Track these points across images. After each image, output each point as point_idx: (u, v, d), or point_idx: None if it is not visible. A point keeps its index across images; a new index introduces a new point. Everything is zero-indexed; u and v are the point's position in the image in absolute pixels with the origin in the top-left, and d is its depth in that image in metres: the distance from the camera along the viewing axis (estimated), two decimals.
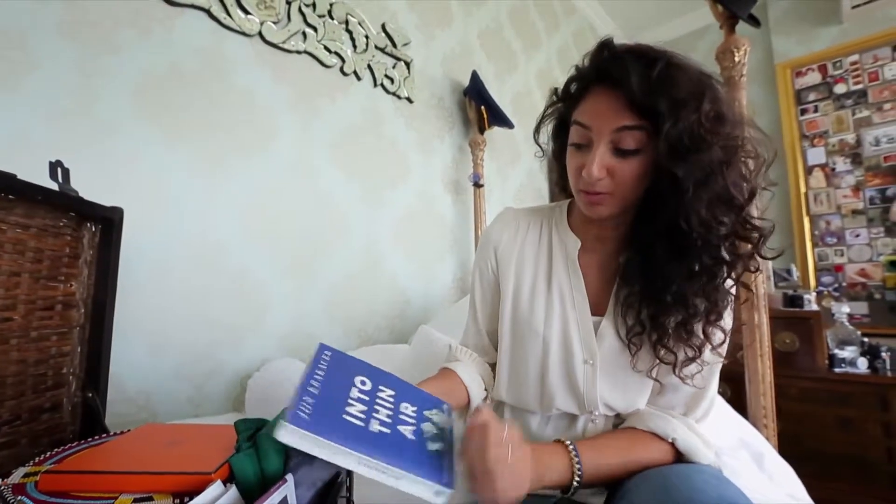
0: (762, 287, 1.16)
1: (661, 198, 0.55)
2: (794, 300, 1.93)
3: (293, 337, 1.28)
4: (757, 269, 0.59)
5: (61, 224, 0.68)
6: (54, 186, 0.67)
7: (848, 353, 1.81)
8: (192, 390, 1.06)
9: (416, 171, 1.75)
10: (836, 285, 2.64)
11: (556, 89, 0.67)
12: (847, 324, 1.94)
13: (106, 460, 0.52)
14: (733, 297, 0.61)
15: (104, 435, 0.64)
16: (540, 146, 0.72)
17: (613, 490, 0.59)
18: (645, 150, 0.55)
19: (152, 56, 1.04)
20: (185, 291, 1.06)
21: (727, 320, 0.61)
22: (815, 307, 1.93)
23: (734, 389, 1.66)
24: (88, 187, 0.75)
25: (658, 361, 0.61)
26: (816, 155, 2.78)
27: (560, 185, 0.74)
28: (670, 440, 0.60)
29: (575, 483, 0.55)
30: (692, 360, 0.59)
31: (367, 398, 0.48)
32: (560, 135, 0.68)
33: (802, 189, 2.78)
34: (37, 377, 0.65)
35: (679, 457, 0.61)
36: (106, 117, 0.96)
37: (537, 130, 0.71)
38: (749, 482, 0.84)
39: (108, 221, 0.73)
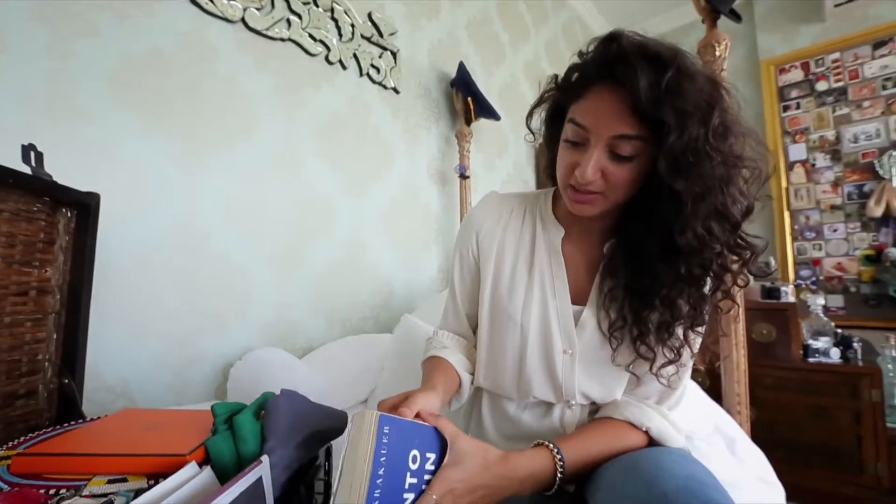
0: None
1: (655, 203, 0.55)
2: (771, 292, 1.98)
3: (277, 326, 1.27)
4: (746, 284, 0.59)
5: (35, 209, 0.68)
6: (27, 170, 0.66)
7: (821, 343, 1.86)
8: (173, 378, 1.05)
9: (402, 162, 1.74)
10: (814, 279, 2.71)
11: (556, 76, 0.65)
12: (822, 315, 1.99)
13: (80, 443, 0.52)
14: (714, 307, 0.61)
15: (80, 420, 0.64)
16: (531, 131, 0.70)
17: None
18: (641, 156, 0.54)
19: (131, 41, 1.02)
20: (166, 279, 1.05)
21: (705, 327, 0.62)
22: (791, 299, 1.98)
23: (712, 379, 1.70)
24: (64, 173, 0.73)
25: (637, 357, 0.61)
26: (798, 151, 2.83)
27: (548, 173, 0.73)
28: (644, 429, 0.61)
29: (558, 480, 0.55)
30: (671, 362, 0.60)
31: (416, 480, 0.49)
32: (554, 123, 0.66)
33: (784, 184, 2.84)
34: (11, 363, 0.64)
35: (652, 442, 0.62)
36: (82, 102, 0.94)
37: (530, 115, 0.69)
38: (721, 465, 0.87)
39: (84, 207, 0.72)
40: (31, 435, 0.57)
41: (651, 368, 0.61)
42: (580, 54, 0.59)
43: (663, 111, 0.49)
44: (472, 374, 0.74)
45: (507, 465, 0.53)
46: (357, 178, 1.55)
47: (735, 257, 0.56)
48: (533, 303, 0.67)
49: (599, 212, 0.60)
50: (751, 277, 0.59)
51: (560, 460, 0.56)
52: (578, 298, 0.67)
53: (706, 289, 0.58)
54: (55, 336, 0.70)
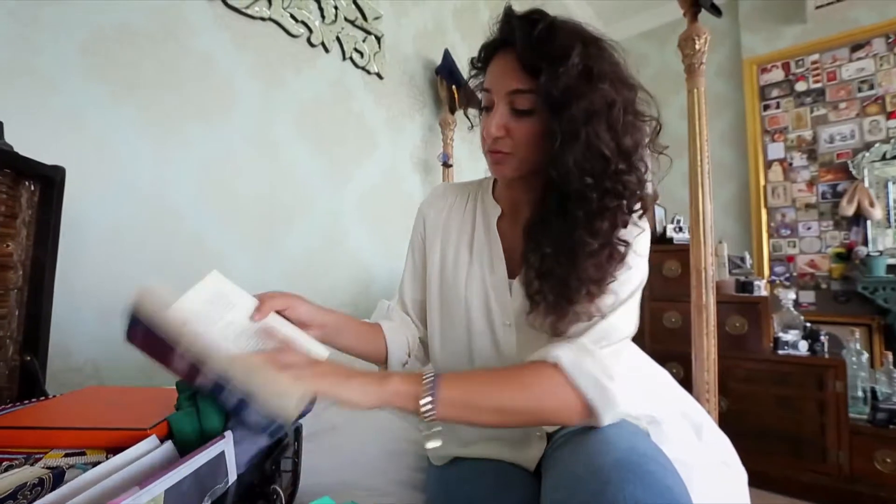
0: (710, 270, 1.22)
1: (549, 157, 0.58)
2: (745, 286, 2.03)
3: None
4: (625, 225, 0.58)
5: None
6: None
7: (791, 336, 1.92)
8: (145, 361, 1.03)
9: (385, 149, 1.73)
10: (788, 275, 2.79)
11: (473, 59, 0.69)
12: (792, 309, 2.05)
13: (39, 417, 0.51)
14: (626, 246, 0.59)
15: (43, 398, 0.63)
16: (469, 119, 0.74)
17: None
18: (540, 112, 0.58)
19: (101, 12, 0.98)
20: (138, 260, 1.03)
21: (625, 267, 0.59)
22: (764, 293, 2.03)
23: (686, 370, 1.75)
24: (28, 146, 0.71)
25: (554, 316, 0.59)
26: (776, 150, 2.89)
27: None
28: (552, 359, 0.55)
29: (427, 405, 0.50)
30: (585, 314, 0.57)
31: None
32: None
33: (762, 182, 2.90)
34: None
35: (565, 375, 0.54)
36: (48, 73, 0.90)
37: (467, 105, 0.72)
38: (685, 449, 0.89)
39: (49, 180, 0.70)
40: None
41: (565, 321, 0.58)
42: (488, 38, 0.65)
43: (537, 58, 0.55)
44: (409, 353, 0.76)
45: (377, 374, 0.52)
46: (338, 163, 1.53)
47: (616, 198, 0.56)
48: (474, 280, 0.71)
49: (515, 172, 0.63)
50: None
51: (430, 383, 0.51)
52: (516, 272, 0.70)
53: (596, 231, 0.56)
54: (17, 312, 0.68)
